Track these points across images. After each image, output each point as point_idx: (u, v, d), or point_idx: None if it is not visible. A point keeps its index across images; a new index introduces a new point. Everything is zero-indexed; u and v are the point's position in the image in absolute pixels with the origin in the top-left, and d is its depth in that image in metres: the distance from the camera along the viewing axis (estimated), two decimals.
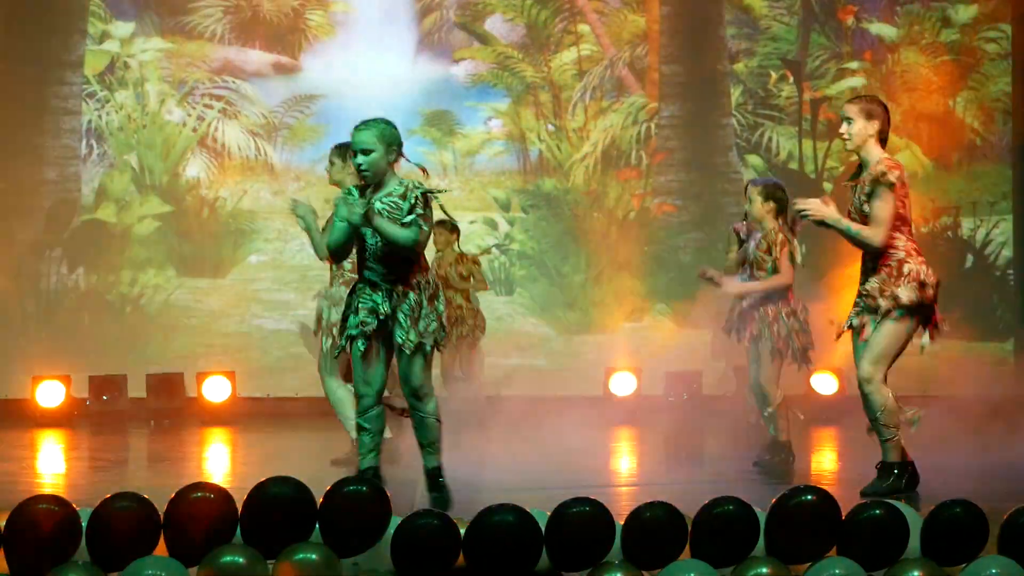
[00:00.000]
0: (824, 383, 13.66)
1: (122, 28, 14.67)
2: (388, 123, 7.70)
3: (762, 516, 6.09)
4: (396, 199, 7.61)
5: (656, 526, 5.99)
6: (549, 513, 6.03)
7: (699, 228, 14.95)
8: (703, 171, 15.01)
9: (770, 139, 15.06)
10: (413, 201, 7.56)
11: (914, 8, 15.16)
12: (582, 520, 5.96)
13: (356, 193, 7.65)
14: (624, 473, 10.55)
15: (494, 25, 15.03)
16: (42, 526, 5.79)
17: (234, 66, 14.81)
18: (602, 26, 15.03)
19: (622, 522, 6.03)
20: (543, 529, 5.97)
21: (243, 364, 14.33)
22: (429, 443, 7.78)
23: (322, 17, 14.87)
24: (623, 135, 14.99)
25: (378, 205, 7.60)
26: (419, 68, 14.93)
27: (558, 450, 10.65)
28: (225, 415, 13.65)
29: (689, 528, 6.02)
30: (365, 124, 7.68)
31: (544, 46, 15.01)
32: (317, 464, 9.81)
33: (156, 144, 14.63)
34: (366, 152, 7.63)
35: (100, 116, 14.58)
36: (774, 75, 15.10)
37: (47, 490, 6.04)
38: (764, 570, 5.96)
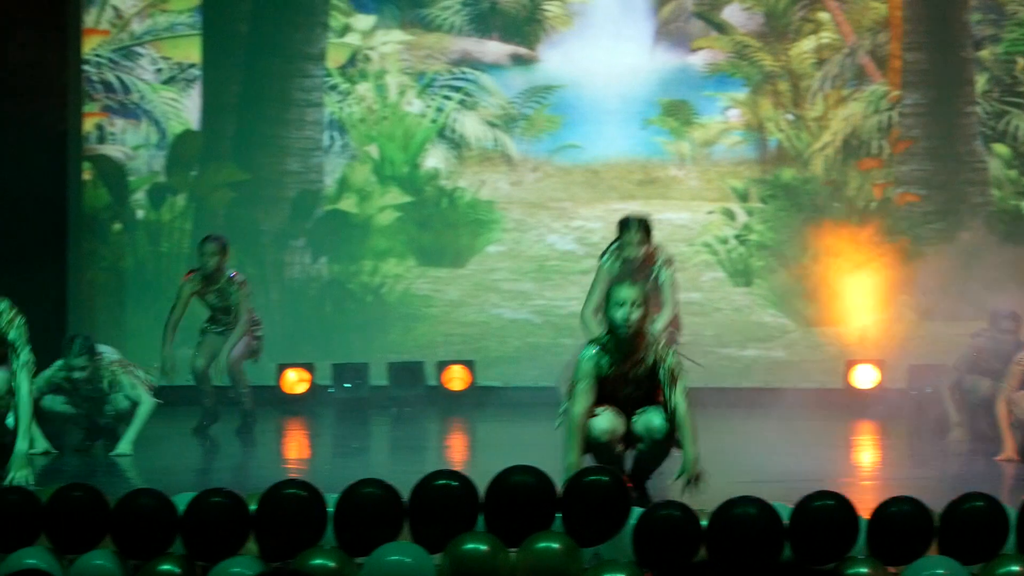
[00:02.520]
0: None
1: (363, 21, 14.89)
2: None
3: (1012, 513, 5.95)
4: (648, 368, 7.23)
5: (903, 521, 5.90)
6: (790, 506, 5.98)
7: (943, 218, 14.64)
8: (947, 160, 14.69)
9: (1017, 127, 14.68)
10: (670, 374, 7.17)
11: None
12: (826, 514, 5.90)
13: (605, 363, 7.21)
14: (866, 467, 10.40)
15: (732, 14, 14.91)
16: (291, 511, 5.91)
17: (472, 57, 14.92)
18: (842, 13, 14.80)
19: (866, 517, 5.95)
20: (785, 522, 5.92)
21: (482, 353, 14.45)
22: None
23: (560, 8, 14.90)
24: (864, 124, 14.75)
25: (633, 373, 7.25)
26: (656, 58, 14.87)
27: (798, 442, 10.55)
28: (464, 404, 13.77)
29: (936, 524, 5.92)
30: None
31: (783, 34, 14.84)
32: (557, 454, 9.83)
33: (396, 135, 14.83)
34: (636, 305, 7.22)
35: (341, 108, 14.82)
36: (1021, 61, 14.72)
37: (294, 476, 6.15)
38: (1015, 568, 5.82)
